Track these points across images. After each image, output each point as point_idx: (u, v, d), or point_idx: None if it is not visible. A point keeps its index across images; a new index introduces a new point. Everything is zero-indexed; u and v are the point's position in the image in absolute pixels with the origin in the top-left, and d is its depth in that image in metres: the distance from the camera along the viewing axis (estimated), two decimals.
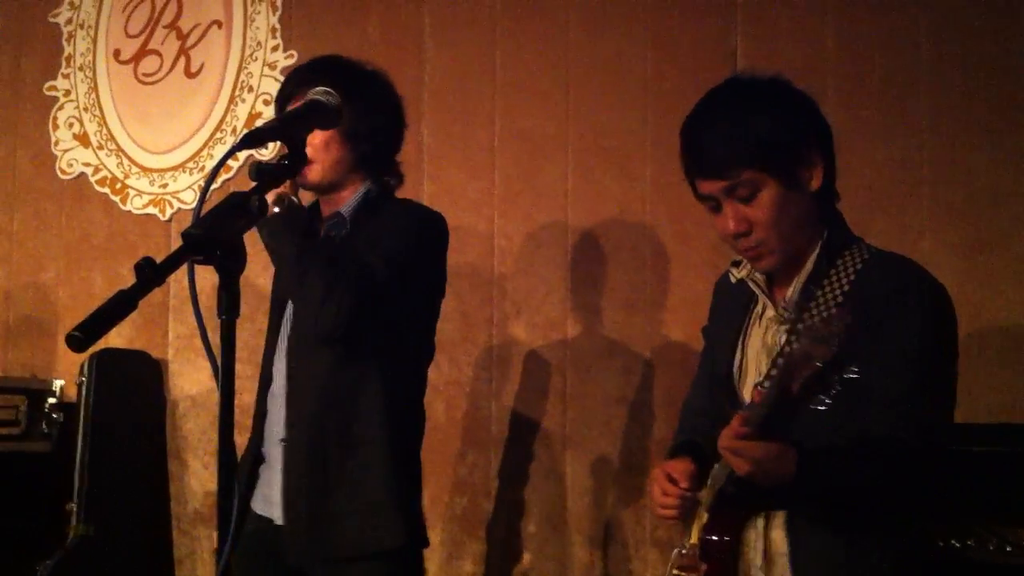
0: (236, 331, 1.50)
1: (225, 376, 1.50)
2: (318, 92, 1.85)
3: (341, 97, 1.86)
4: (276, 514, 2.26)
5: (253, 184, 1.63)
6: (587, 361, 3.16)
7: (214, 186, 3.79)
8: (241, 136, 1.83)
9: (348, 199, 2.32)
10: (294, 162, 1.74)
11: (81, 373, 3.52)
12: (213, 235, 1.51)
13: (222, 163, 1.76)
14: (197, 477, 3.76)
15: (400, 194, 2.44)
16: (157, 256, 3.91)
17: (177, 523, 3.76)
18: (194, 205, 1.63)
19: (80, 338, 1.43)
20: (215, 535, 3.71)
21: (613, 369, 3.12)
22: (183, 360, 3.83)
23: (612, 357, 3.12)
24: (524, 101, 3.36)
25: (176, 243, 3.86)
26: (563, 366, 3.19)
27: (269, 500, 2.27)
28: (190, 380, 3.81)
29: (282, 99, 2.34)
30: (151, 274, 1.47)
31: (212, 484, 3.72)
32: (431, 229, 2.32)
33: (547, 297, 3.25)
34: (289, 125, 1.81)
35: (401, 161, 2.43)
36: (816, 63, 2.89)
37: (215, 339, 1.49)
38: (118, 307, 1.46)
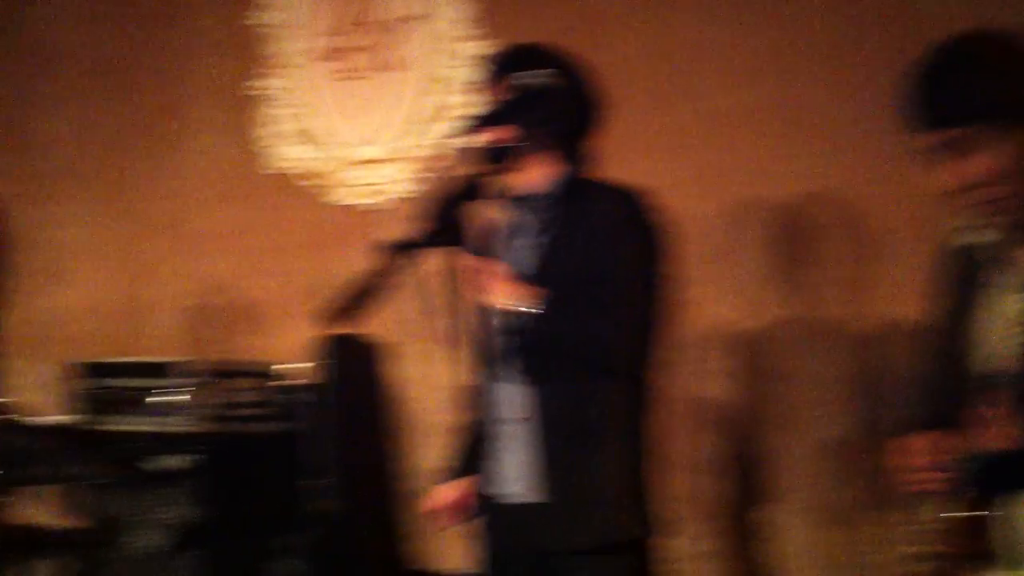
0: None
1: (458, 354, 1.55)
2: (538, 74, 1.91)
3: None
4: (509, 491, 2.32)
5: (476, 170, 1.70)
6: (795, 340, 3.18)
7: (415, 175, 4.01)
8: (471, 119, 1.91)
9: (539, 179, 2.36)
10: (519, 145, 1.82)
11: (313, 357, 3.72)
12: (449, 217, 1.60)
13: (458, 151, 1.82)
14: (421, 456, 3.93)
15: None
16: (363, 246, 4.10)
17: (409, 501, 3.93)
18: (428, 189, 1.73)
19: (337, 316, 1.55)
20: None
21: (825, 348, 3.13)
22: (408, 343, 3.99)
23: (822, 336, 3.14)
24: (715, 79, 3.39)
25: (381, 233, 4.06)
26: (771, 346, 3.21)
27: (501, 479, 2.34)
28: (413, 363, 3.97)
29: (489, 84, 2.38)
30: (399, 254, 1.56)
31: (435, 462, 3.89)
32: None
33: (749, 277, 3.28)
34: (513, 109, 1.88)
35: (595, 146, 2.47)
36: None
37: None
38: (370, 286, 1.58)
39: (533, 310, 2.20)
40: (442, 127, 3.96)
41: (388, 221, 4.08)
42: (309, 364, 3.72)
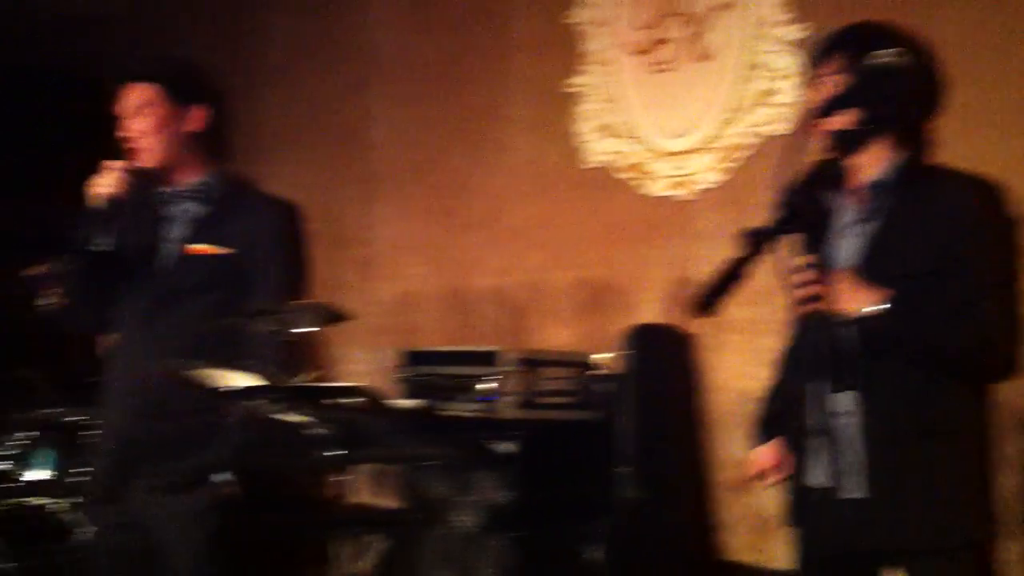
0: None
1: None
2: (890, 53, 1.85)
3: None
4: (837, 485, 2.24)
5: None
6: None
7: (732, 164, 3.96)
8: (821, 105, 1.87)
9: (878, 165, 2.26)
10: (872, 127, 1.78)
11: (622, 347, 3.78)
12: (805, 203, 1.59)
13: (801, 137, 1.80)
14: (733, 447, 3.89)
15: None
16: (680, 236, 4.10)
17: (716, 492, 3.92)
18: (778, 177, 1.71)
19: (703, 303, 1.58)
20: (753, 503, 3.84)
21: None
22: (713, 335, 3.98)
23: None
24: None
25: (697, 223, 4.05)
26: None
27: (826, 473, 2.26)
28: (721, 354, 3.95)
29: (815, 60, 2.28)
30: (758, 241, 1.58)
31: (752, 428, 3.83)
32: None
33: None
34: (866, 89, 1.83)
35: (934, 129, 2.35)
36: None
37: None
38: (732, 273, 1.60)
39: (878, 312, 2.12)
40: (762, 114, 3.89)
41: (705, 212, 4.06)
42: (620, 354, 3.76)
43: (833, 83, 2.20)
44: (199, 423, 2.55)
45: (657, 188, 4.22)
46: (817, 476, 2.31)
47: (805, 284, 2.15)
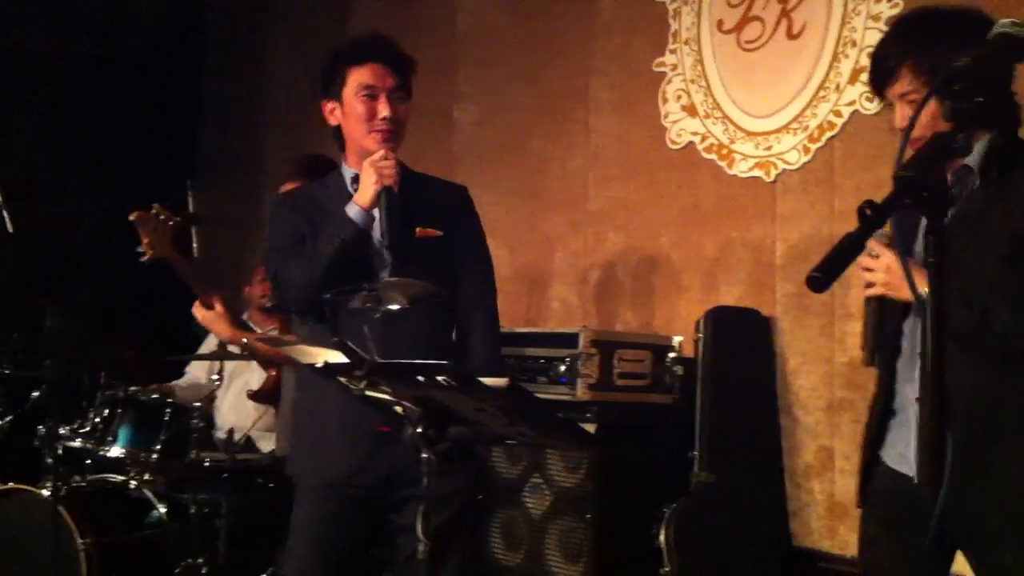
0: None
1: (934, 324, 1.52)
2: (1006, 24, 1.78)
3: None
4: (913, 472, 2.20)
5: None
6: None
7: (818, 144, 3.86)
8: (938, 83, 1.83)
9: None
10: (989, 101, 1.73)
11: (698, 330, 3.72)
12: (923, 176, 1.55)
13: (916, 117, 1.77)
14: (809, 432, 3.81)
15: None
16: (763, 218, 4.04)
17: (790, 477, 3.84)
18: (898, 150, 1.66)
19: (820, 278, 1.54)
20: (827, 489, 3.75)
21: None
22: (791, 318, 3.90)
23: None
24: None
25: (782, 204, 3.96)
26: None
27: (906, 457, 2.23)
28: (798, 338, 3.87)
29: (882, 78, 2.24)
30: (873, 216, 1.54)
31: (824, 439, 3.75)
32: None
33: None
34: (986, 64, 1.77)
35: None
36: None
37: None
38: (848, 249, 1.57)
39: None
40: (850, 93, 3.78)
41: (790, 193, 3.96)
42: (698, 336, 3.71)
43: (917, 95, 2.14)
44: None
45: (743, 168, 4.13)
46: (894, 458, 2.28)
47: (872, 269, 2.15)
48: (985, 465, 2.09)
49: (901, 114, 2.22)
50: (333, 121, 2.82)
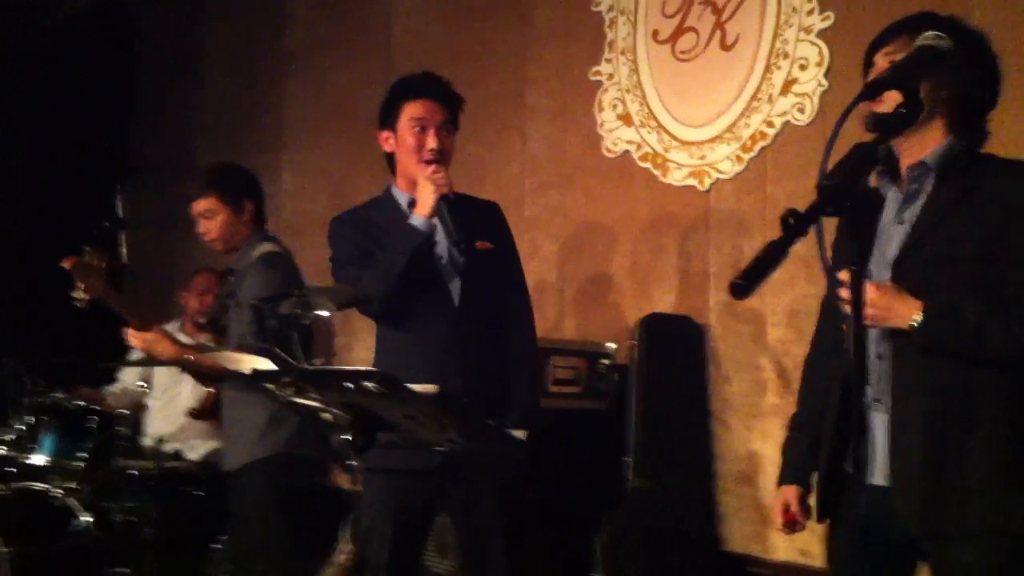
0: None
1: (857, 328, 1.54)
2: (929, 37, 1.82)
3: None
4: (876, 476, 2.21)
5: (873, 136, 1.68)
6: None
7: (751, 154, 3.90)
8: (862, 89, 1.86)
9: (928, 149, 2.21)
10: (910, 111, 1.75)
11: (632, 337, 3.74)
12: (846, 186, 1.57)
13: (843, 120, 1.78)
14: (739, 438, 3.84)
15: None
16: (697, 226, 4.06)
17: (721, 482, 3.87)
18: (821, 160, 1.68)
19: (743, 285, 1.55)
20: (756, 495, 3.78)
21: None
22: (724, 325, 3.93)
23: None
24: None
25: (715, 213, 4.00)
26: None
27: (867, 461, 2.21)
28: (730, 345, 3.91)
29: (878, 43, 2.26)
30: (796, 225, 1.56)
31: (755, 445, 3.79)
32: None
33: None
34: (904, 73, 1.81)
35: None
36: None
37: None
38: (770, 257, 1.58)
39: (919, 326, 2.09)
40: (783, 104, 3.82)
41: (723, 202, 4.00)
42: (631, 343, 3.73)
43: (896, 52, 2.17)
44: None
45: (677, 177, 4.16)
46: (851, 465, 2.26)
47: (847, 297, 2.13)
48: (954, 465, 2.11)
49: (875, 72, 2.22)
50: (388, 148, 3.06)
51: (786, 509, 2.42)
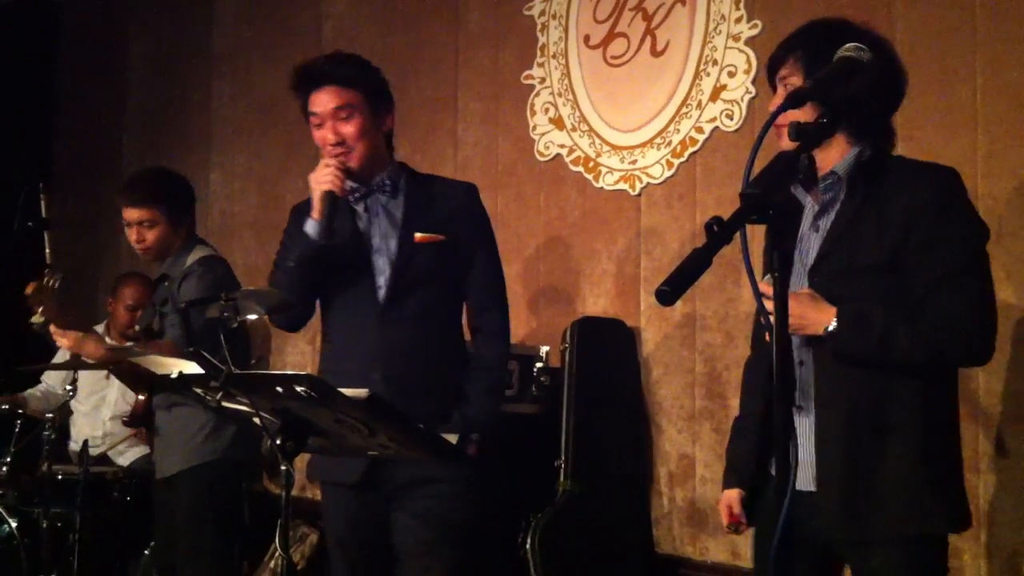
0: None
1: (779, 334, 1.57)
2: (849, 49, 1.87)
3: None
4: (800, 481, 2.21)
5: (795, 144, 1.72)
6: None
7: (681, 160, 3.95)
8: (785, 98, 1.91)
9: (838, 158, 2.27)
10: (832, 120, 1.81)
11: (564, 340, 3.76)
12: (769, 195, 1.61)
13: (767, 128, 1.83)
14: (671, 441, 3.88)
15: None
16: (628, 230, 4.10)
17: (653, 485, 3.91)
18: (745, 169, 1.72)
19: (668, 292, 1.57)
20: (689, 497, 3.83)
21: None
22: (655, 329, 3.97)
23: None
24: (1009, 53, 3.15)
25: (646, 217, 4.04)
26: None
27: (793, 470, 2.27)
28: (661, 348, 3.95)
29: (773, 64, 2.33)
30: (720, 232, 1.58)
31: (686, 447, 3.83)
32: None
33: None
34: (826, 84, 1.86)
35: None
36: None
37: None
38: (695, 264, 1.61)
39: (834, 333, 2.15)
40: (712, 110, 3.88)
41: (653, 206, 4.04)
42: (563, 347, 3.75)
43: (793, 80, 2.24)
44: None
45: (609, 182, 4.19)
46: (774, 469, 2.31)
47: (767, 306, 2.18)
48: (872, 472, 2.15)
49: (775, 101, 2.28)
50: None
51: (730, 511, 2.45)
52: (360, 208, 2.89)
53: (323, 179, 2.73)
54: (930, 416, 2.18)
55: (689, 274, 1.58)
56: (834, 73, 1.92)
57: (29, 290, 3.40)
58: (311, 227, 2.74)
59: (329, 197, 2.72)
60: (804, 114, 2.06)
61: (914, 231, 2.14)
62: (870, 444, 2.16)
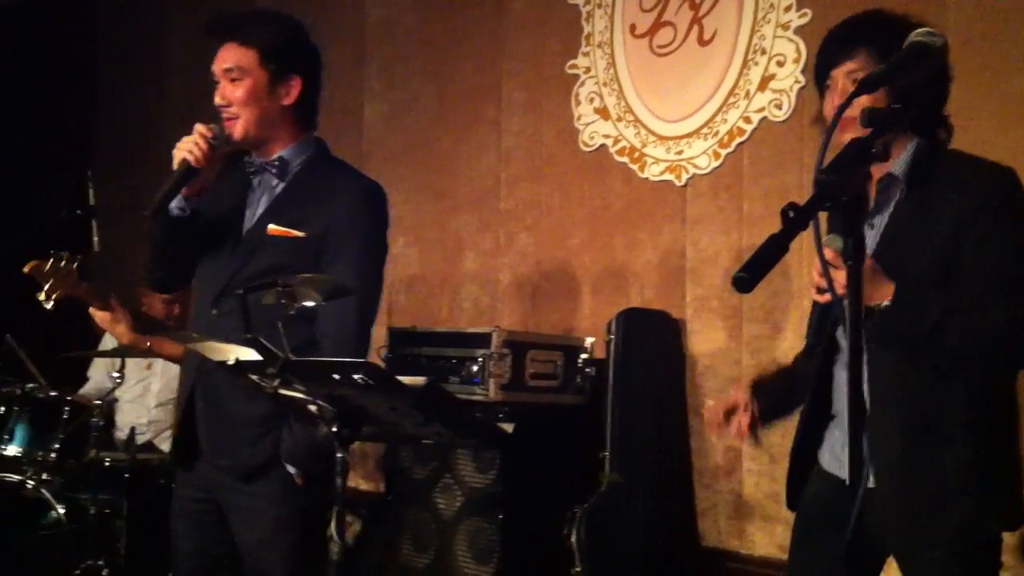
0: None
1: (854, 321, 1.55)
2: (921, 34, 1.84)
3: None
4: (847, 474, 2.23)
5: (868, 131, 1.70)
6: None
7: (728, 150, 3.92)
8: (859, 83, 1.87)
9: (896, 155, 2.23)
10: (905, 107, 1.78)
11: (609, 331, 3.74)
12: (843, 180, 1.59)
13: (841, 112, 1.81)
14: (720, 435, 3.85)
15: None
16: (673, 221, 4.06)
17: (699, 477, 3.89)
18: (817, 155, 1.70)
19: (746, 278, 1.56)
20: (736, 490, 3.81)
21: None
22: (700, 320, 3.95)
23: None
24: None
25: (692, 208, 4.01)
26: None
27: (840, 460, 2.25)
28: (706, 339, 3.92)
29: (833, 60, 2.26)
30: (796, 218, 1.57)
31: (732, 440, 3.79)
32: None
33: None
34: (901, 68, 1.83)
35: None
36: None
37: None
38: (772, 250, 1.59)
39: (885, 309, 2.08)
40: (759, 100, 3.84)
41: (699, 197, 4.02)
42: (607, 338, 3.73)
43: (861, 75, 2.15)
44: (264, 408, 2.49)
45: (654, 172, 4.17)
46: (828, 462, 2.31)
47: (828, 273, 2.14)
48: (929, 471, 2.12)
49: (830, 103, 2.24)
50: None
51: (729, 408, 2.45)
52: (255, 183, 2.64)
53: (183, 146, 2.49)
54: (988, 418, 2.15)
55: (767, 260, 1.57)
56: (909, 58, 1.88)
57: (27, 270, 3.38)
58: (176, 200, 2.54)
59: (183, 167, 2.47)
60: (874, 101, 2.02)
61: (967, 237, 2.10)
62: (927, 445, 2.13)
